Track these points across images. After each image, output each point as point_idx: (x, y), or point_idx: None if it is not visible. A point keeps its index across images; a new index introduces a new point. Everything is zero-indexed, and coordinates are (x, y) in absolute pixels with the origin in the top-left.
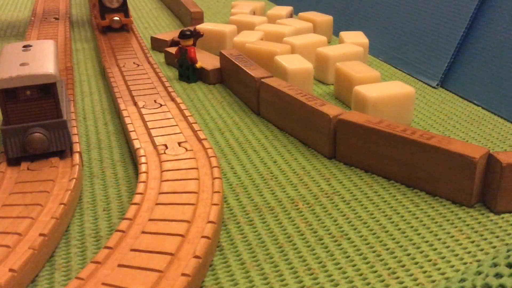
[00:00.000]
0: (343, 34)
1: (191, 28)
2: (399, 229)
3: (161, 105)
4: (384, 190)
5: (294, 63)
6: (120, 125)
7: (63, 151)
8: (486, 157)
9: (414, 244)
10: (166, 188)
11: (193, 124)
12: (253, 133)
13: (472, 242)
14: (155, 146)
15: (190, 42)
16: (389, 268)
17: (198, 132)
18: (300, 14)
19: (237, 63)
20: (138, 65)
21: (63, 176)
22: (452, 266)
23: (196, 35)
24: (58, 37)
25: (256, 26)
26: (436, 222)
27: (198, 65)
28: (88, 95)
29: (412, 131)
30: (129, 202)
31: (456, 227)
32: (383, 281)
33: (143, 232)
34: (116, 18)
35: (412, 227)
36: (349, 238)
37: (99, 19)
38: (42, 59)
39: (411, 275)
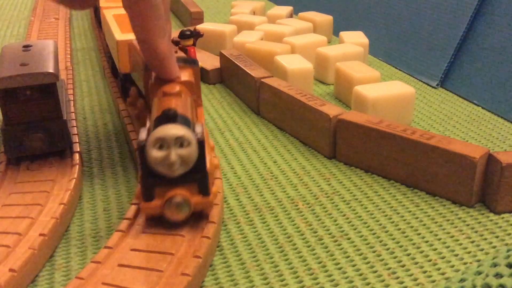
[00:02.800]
0: (343, 34)
1: (191, 28)
2: (399, 229)
3: None
4: (384, 190)
5: (294, 63)
6: (120, 125)
7: (63, 151)
8: (486, 157)
9: (414, 244)
10: None
11: None
12: (253, 133)
13: (472, 242)
14: None
15: (190, 42)
16: (389, 268)
17: None
18: (300, 14)
19: (237, 63)
20: None
21: (63, 176)
22: (452, 266)
23: (196, 35)
24: (58, 37)
25: (256, 26)
26: (436, 222)
27: None
28: (88, 95)
29: (412, 131)
30: (129, 202)
31: (456, 227)
32: (383, 281)
33: (143, 232)
34: (178, 199)
35: (412, 227)
36: (349, 238)
37: (139, 197)
38: (42, 59)
39: (411, 275)
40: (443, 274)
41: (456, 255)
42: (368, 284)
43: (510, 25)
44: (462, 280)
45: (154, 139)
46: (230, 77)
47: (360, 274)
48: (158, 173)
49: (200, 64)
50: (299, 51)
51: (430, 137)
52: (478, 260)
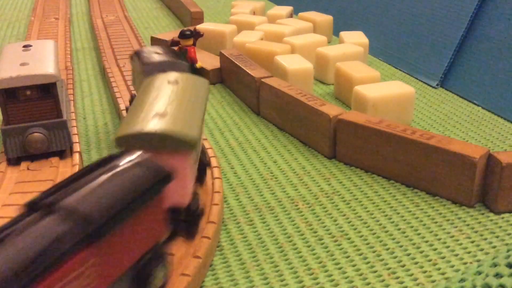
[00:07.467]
0: (343, 34)
1: (191, 28)
2: (399, 229)
3: None
4: (384, 190)
5: (294, 63)
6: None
7: (63, 151)
8: (486, 157)
9: (414, 244)
10: None
11: None
12: (253, 133)
13: (472, 242)
14: None
15: (190, 42)
16: (389, 268)
17: None
18: (300, 14)
19: (237, 63)
20: None
21: (63, 176)
22: (452, 266)
23: (196, 35)
24: (58, 37)
25: (256, 26)
26: (436, 222)
27: (198, 65)
28: (88, 95)
29: (412, 131)
30: None
31: (456, 227)
32: (383, 281)
33: None
34: None
35: (412, 227)
36: (349, 238)
37: None
38: (42, 59)
39: (411, 275)
40: (443, 274)
41: (456, 255)
42: (368, 284)
43: (510, 25)
44: (462, 280)
45: None
46: (230, 77)
47: (360, 274)
48: None
49: (200, 64)
50: (299, 51)
51: (430, 137)
52: (478, 260)
